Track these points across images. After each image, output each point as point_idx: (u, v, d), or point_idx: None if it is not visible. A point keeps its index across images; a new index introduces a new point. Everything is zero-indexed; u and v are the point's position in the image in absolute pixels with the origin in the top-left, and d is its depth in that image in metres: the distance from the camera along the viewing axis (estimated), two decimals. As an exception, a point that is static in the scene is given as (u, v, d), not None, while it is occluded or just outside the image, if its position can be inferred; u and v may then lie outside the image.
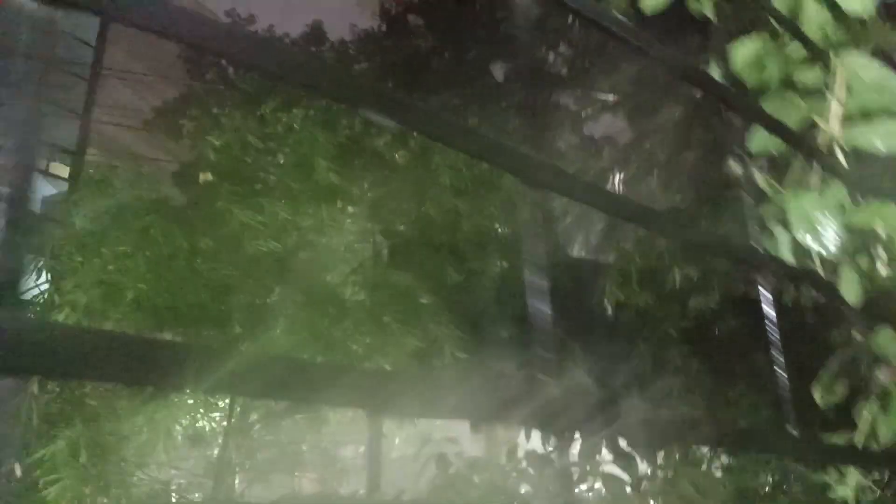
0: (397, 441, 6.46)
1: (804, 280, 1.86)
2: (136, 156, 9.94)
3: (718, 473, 4.04)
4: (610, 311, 4.24)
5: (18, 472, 3.64)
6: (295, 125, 4.64)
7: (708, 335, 4.30)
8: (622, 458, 4.20)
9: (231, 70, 10.32)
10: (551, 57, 7.99)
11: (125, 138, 11.55)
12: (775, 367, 1.13)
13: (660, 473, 4.16)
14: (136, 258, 3.70)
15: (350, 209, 4.75)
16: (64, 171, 11.29)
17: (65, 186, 11.23)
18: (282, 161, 4.72)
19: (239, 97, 6.12)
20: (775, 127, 1.34)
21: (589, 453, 4.32)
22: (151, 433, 3.51)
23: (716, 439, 1.38)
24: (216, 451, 4.42)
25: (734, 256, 1.35)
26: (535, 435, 4.60)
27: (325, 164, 4.22)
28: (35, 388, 3.57)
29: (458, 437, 5.46)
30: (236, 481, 4.81)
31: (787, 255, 1.46)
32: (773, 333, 1.13)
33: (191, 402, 3.92)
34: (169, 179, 6.10)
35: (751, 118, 1.39)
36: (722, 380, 4.20)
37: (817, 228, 1.43)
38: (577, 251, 6.09)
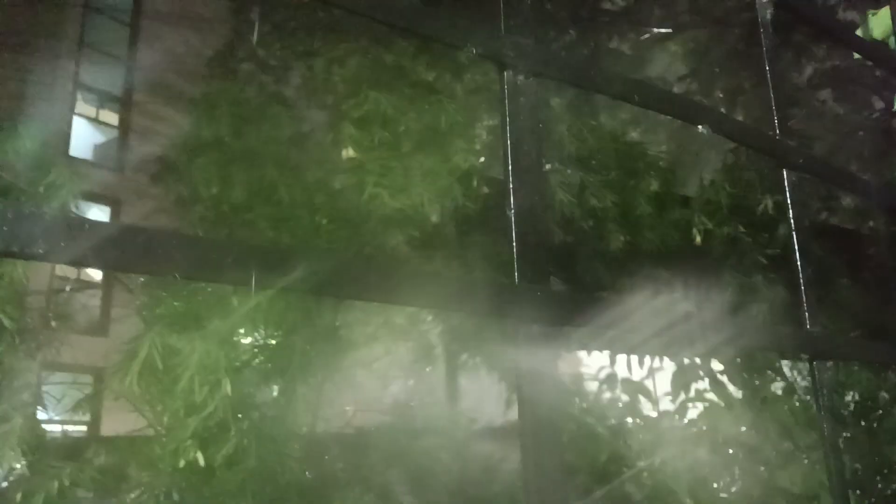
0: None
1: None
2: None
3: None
4: (698, 240, 4.34)
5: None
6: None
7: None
8: (715, 383, 4.36)
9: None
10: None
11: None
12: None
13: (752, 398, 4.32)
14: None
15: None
16: (113, 118, 11.39)
17: (115, 133, 11.36)
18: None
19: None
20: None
21: (682, 379, 4.48)
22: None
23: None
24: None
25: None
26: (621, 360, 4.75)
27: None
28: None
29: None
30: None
31: None
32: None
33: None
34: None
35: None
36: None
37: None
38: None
